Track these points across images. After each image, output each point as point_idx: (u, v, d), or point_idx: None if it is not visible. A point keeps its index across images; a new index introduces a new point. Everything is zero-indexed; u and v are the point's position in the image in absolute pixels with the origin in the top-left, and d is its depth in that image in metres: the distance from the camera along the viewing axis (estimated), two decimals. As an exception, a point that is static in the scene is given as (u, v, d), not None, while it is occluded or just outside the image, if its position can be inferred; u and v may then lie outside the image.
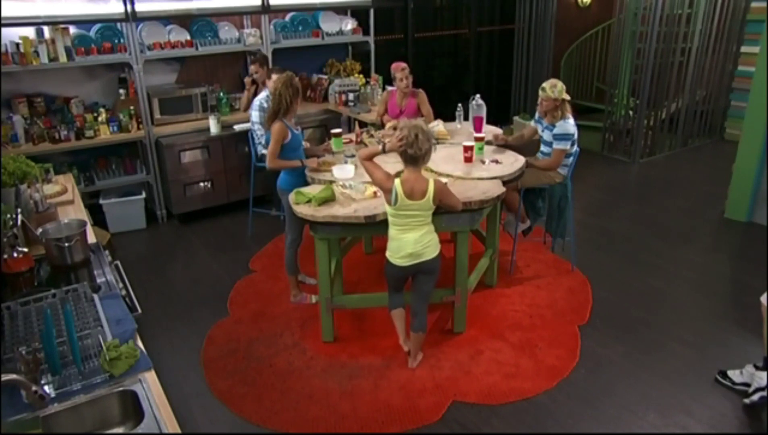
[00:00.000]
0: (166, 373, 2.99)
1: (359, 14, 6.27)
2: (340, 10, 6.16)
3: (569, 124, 4.09)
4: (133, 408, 1.90)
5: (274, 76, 4.58)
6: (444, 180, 3.37)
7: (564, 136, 4.08)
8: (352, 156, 3.81)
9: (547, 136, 4.22)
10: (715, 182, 6.12)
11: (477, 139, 4.01)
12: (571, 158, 4.22)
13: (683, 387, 3.26)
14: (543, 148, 4.31)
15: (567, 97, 4.07)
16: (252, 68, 5.38)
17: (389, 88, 4.95)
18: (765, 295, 3.00)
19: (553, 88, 4.03)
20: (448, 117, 4.84)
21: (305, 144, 4.07)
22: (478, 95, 4.50)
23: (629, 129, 7.22)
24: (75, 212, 3.46)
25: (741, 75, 7.46)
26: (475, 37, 7.84)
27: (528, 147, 4.39)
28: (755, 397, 3.05)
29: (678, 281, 4.38)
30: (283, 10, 5.87)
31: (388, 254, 3.23)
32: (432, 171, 3.78)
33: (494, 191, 3.46)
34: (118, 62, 5.07)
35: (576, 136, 4.14)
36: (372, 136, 4.31)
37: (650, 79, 6.80)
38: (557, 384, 3.29)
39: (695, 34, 7.06)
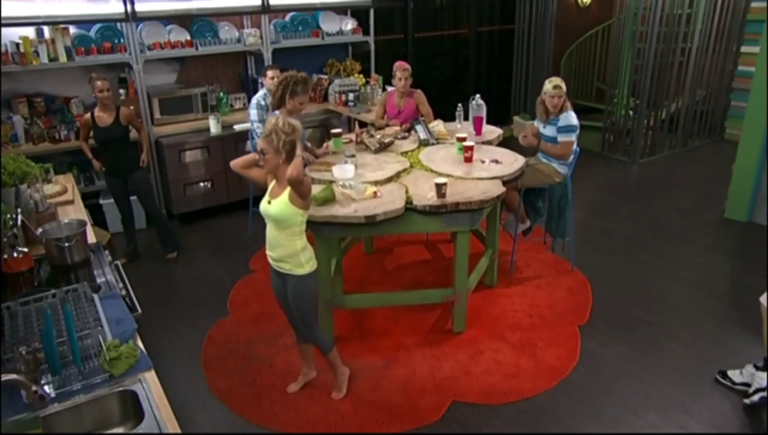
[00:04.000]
0: (166, 373, 2.99)
1: (359, 14, 6.26)
2: (340, 10, 6.15)
3: (572, 117, 4.14)
4: (133, 408, 1.90)
5: (270, 73, 4.61)
6: (443, 180, 3.37)
7: (569, 128, 4.11)
8: (352, 156, 3.81)
9: (549, 131, 4.23)
10: (715, 182, 6.11)
11: (459, 139, 4.02)
12: (572, 157, 4.22)
13: (683, 387, 3.26)
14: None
15: None
16: (98, 83, 4.18)
17: (389, 88, 4.95)
18: (765, 295, 3.00)
19: (563, 82, 4.12)
20: (448, 117, 4.84)
21: (306, 143, 4.07)
22: (478, 95, 4.50)
23: (629, 129, 7.22)
24: (75, 212, 3.46)
25: (741, 75, 7.46)
26: (475, 37, 7.84)
27: (530, 148, 4.41)
28: (755, 397, 3.05)
29: (678, 281, 4.38)
30: (283, 10, 5.87)
31: (313, 265, 2.88)
32: (432, 171, 3.78)
33: (494, 191, 3.46)
34: (118, 62, 5.07)
35: (579, 130, 4.17)
36: (372, 136, 4.31)
37: (650, 79, 6.80)
38: (557, 384, 3.29)
39: (695, 34, 7.06)
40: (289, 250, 2.79)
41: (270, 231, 2.83)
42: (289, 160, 2.68)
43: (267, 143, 2.65)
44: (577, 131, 4.15)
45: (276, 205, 2.73)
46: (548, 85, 4.13)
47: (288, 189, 2.68)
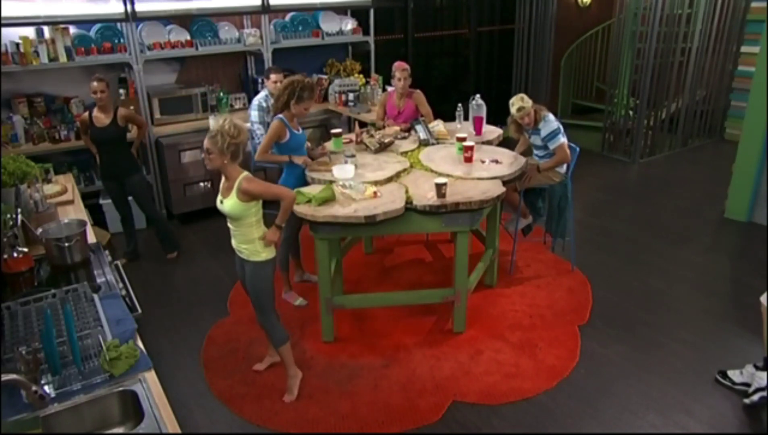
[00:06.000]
0: (166, 373, 2.99)
1: (359, 14, 6.26)
2: (340, 10, 6.15)
3: (550, 121, 4.12)
4: (133, 408, 1.90)
5: (273, 76, 4.59)
6: (443, 180, 3.37)
7: (553, 134, 4.10)
8: (352, 156, 3.81)
9: (535, 139, 4.26)
10: (715, 182, 6.11)
11: (458, 139, 4.02)
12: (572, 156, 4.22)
13: (683, 387, 3.26)
14: (536, 151, 4.34)
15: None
16: (94, 84, 4.18)
17: (388, 88, 4.95)
18: (765, 295, 3.00)
19: (524, 100, 4.08)
20: (448, 117, 4.84)
21: (306, 144, 4.07)
22: (478, 95, 4.50)
23: (629, 129, 7.22)
24: (75, 212, 3.46)
25: (741, 75, 7.46)
26: (475, 37, 7.84)
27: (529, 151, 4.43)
28: (755, 397, 3.05)
29: (678, 281, 4.38)
30: (283, 10, 5.87)
31: (270, 252, 2.97)
32: (432, 171, 3.78)
33: (494, 191, 3.46)
34: (118, 62, 5.07)
35: (561, 127, 4.16)
36: (372, 136, 4.31)
37: (650, 79, 6.80)
38: (557, 384, 3.29)
39: (695, 34, 7.06)
40: (246, 238, 2.90)
41: (229, 223, 2.93)
42: (233, 160, 2.77)
43: (212, 144, 2.75)
44: (562, 130, 4.14)
45: (227, 203, 2.83)
46: (512, 110, 4.10)
47: (235, 189, 2.77)
